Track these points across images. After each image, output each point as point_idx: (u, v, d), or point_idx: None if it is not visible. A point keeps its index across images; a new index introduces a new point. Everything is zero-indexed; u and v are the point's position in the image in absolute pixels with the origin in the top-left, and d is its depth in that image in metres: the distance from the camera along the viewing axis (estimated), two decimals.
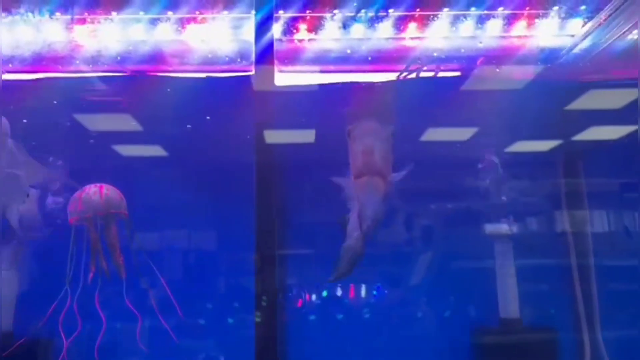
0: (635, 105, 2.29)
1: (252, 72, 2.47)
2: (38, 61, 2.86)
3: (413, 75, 3.20)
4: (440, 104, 3.13)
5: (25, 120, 2.83)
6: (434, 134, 3.35)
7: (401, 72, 3.14)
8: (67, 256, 2.71)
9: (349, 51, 2.74)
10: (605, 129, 3.31)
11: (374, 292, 3.22)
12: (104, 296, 2.74)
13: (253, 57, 2.47)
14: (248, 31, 2.50)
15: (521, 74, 3.12)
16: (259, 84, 2.52)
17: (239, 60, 2.55)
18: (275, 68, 2.48)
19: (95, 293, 2.68)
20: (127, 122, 3.19)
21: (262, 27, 2.44)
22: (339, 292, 3.14)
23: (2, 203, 2.76)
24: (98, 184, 2.73)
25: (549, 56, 3.11)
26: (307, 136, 3.21)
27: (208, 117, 2.76)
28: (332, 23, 2.98)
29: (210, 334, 3.15)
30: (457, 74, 3.10)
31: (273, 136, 3.16)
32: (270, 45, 2.45)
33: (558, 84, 3.09)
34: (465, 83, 3.07)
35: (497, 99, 3.18)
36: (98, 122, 3.28)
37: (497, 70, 3.13)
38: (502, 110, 3.16)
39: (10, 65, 2.69)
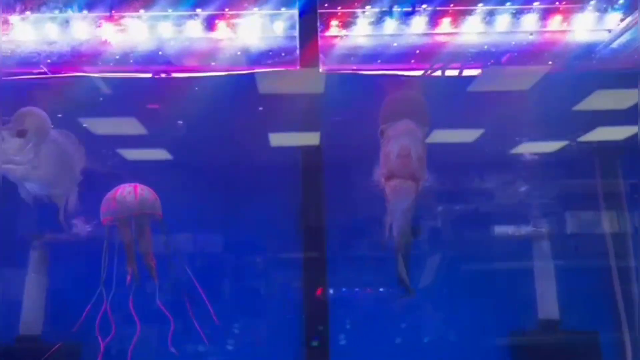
0: None
1: (297, 68, 2.39)
2: (66, 59, 2.81)
3: (445, 72, 3.15)
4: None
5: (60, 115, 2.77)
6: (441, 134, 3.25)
7: (432, 68, 3.08)
8: (96, 259, 2.65)
9: (395, 44, 2.67)
10: None
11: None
12: (136, 299, 2.68)
13: (297, 52, 2.40)
14: (290, 27, 2.44)
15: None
16: (305, 80, 2.47)
17: (283, 54, 2.48)
18: (321, 64, 2.41)
19: (129, 296, 2.62)
20: (151, 124, 3.13)
21: (306, 22, 2.37)
22: (376, 292, 3.06)
23: (55, 193, 2.70)
24: (132, 184, 2.67)
25: (585, 51, 3.05)
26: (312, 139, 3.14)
27: (261, 108, 2.66)
28: (364, 19, 2.93)
29: (248, 337, 3.07)
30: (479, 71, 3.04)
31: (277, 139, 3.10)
32: (314, 40, 2.37)
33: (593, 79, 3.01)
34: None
35: (527, 96, 3.11)
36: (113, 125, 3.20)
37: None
38: (531, 109, 3.10)
39: (48, 61, 2.64)
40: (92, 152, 2.93)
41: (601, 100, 2.99)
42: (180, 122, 2.96)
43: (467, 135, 3.24)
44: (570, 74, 3.07)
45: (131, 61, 2.78)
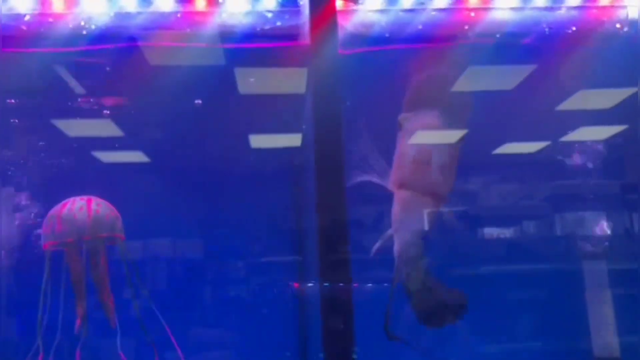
0: None
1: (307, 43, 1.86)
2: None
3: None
4: None
5: None
6: None
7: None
8: (38, 296, 2.00)
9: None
10: None
11: None
12: (89, 350, 2.03)
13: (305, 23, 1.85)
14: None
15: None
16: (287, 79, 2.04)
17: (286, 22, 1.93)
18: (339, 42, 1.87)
19: (76, 347, 1.96)
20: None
21: None
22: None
23: None
24: (85, 197, 2.03)
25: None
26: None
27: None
28: None
29: None
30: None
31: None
32: (331, 15, 1.83)
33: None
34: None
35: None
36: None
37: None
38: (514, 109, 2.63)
39: None
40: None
41: (585, 99, 2.68)
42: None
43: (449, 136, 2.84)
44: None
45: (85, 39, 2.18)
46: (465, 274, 2.63)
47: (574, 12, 2.46)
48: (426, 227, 2.20)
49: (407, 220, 2.15)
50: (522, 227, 2.92)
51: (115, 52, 2.25)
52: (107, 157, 2.69)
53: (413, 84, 2.21)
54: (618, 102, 2.59)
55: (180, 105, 2.53)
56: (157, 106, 2.48)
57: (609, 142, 2.84)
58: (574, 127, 2.82)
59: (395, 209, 2.16)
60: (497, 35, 2.24)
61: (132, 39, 2.13)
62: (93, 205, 2.02)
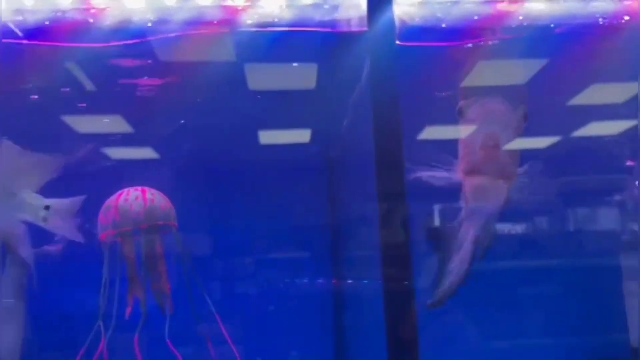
0: None
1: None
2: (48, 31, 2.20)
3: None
4: None
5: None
6: None
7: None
8: (98, 283, 2.05)
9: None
10: None
11: None
12: (143, 337, 2.09)
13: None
14: None
15: None
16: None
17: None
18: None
19: (134, 333, 2.02)
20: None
21: None
22: None
23: None
24: (139, 187, 2.07)
25: None
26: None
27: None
28: None
29: None
30: None
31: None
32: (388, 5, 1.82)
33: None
34: None
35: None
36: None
37: None
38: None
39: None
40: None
41: (597, 94, 2.68)
42: None
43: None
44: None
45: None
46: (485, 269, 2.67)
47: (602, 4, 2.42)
48: (500, 209, 2.24)
49: (482, 205, 2.21)
50: (535, 223, 2.91)
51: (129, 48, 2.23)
52: (116, 153, 2.69)
53: (468, 70, 2.24)
54: (631, 96, 2.51)
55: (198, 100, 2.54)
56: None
57: (621, 136, 2.78)
58: (586, 122, 2.80)
59: (467, 195, 2.22)
60: (553, 26, 2.22)
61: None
62: (148, 195, 2.06)
